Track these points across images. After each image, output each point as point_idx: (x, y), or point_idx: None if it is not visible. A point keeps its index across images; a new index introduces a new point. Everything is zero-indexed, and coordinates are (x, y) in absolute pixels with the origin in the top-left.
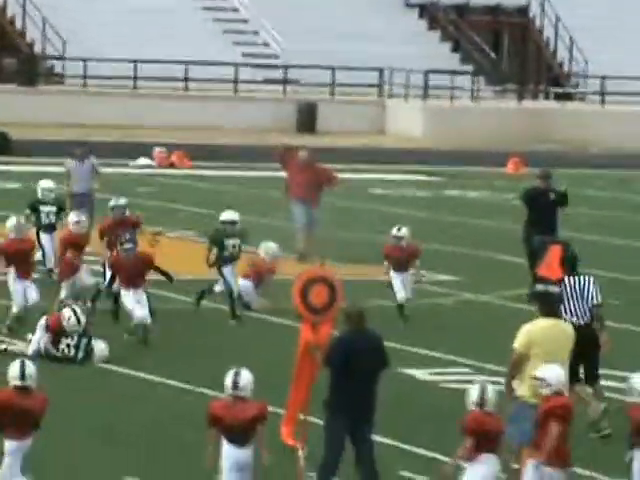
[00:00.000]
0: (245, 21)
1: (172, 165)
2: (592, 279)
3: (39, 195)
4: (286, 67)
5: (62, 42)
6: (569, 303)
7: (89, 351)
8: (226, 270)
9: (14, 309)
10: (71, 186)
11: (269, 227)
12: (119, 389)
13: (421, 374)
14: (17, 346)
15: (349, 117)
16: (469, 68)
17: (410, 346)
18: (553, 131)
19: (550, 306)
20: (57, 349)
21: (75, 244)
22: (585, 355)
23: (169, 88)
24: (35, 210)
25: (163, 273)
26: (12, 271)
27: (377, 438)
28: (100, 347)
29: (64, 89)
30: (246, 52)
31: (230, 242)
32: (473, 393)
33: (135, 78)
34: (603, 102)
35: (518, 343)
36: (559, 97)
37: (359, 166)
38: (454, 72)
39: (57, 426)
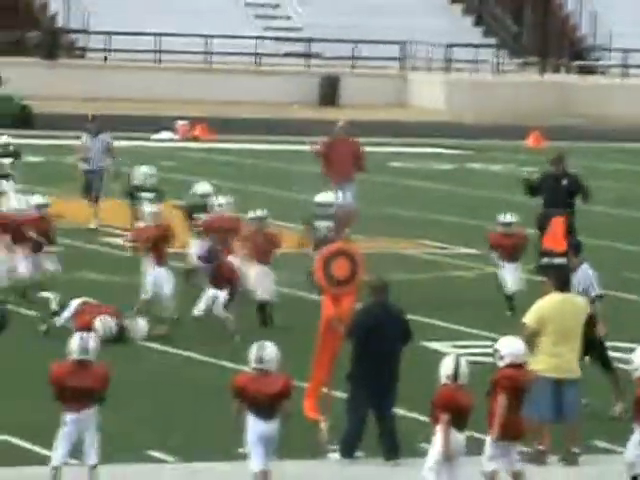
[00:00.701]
0: None
1: (195, 138)
2: (590, 270)
3: (137, 181)
4: (308, 40)
5: (84, 15)
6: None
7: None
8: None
9: (144, 295)
10: (82, 162)
11: (292, 200)
12: (156, 366)
13: (443, 347)
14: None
15: (371, 90)
16: (491, 41)
17: (432, 319)
18: (575, 104)
19: (560, 279)
20: None
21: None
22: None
23: (192, 62)
24: (133, 197)
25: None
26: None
27: (399, 411)
28: (141, 325)
29: (86, 63)
30: (268, 26)
31: (323, 224)
32: (447, 366)
33: (158, 52)
34: (625, 75)
35: (529, 319)
36: (581, 70)
37: (380, 139)
38: (476, 45)
39: None
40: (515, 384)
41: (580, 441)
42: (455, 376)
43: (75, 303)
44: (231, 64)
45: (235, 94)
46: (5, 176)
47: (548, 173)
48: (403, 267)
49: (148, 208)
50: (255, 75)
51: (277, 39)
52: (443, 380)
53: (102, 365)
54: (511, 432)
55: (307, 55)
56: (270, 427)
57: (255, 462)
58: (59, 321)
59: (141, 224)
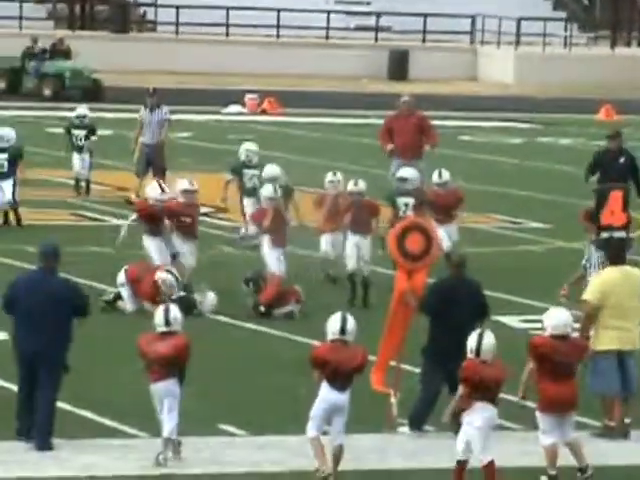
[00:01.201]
0: None
1: (263, 112)
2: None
3: (243, 158)
4: (378, 14)
5: None
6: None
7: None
8: None
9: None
10: (140, 136)
11: (360, 174)
12: (226, 339)
13: (512, 321)
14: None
15: (441, 64)
16: (562, 15)
17: (501, 293)
18: None
19: (616, 253)
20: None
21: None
22: None
23: (261, 35)
24: (238, 174)
25: None
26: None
27: None
28: (210, 297)
29: (156, 36)
30: None
31: (402, 200)
32: (471, 340)
33: (227, 25)
34: None
35: (590, 295)
36: None
37: (450, 113)
38: (547, 19)
39: None
40: (550, 354)
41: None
42: (477, 351)
43: (121, 279)
44: (301, 38)
45: (304, 68)
46: (79, 148)
47: (605, 149)
48: (472, 241)
49: (265, 191)
50: (324, 49)
51: (347, 13)
52: (467, 354)
53: (183, 336)
54: (558, 404)
55: (377, 29)
56: (342, 398)
57: (312, 428)
58: (129, 306)
59: (261, 205)
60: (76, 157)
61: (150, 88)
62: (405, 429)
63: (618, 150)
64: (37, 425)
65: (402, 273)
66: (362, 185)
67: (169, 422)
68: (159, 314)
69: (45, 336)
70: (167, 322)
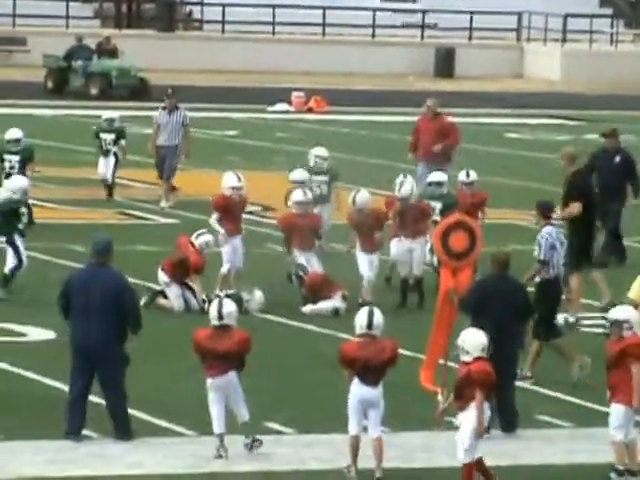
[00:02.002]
0: None
1: (310, 110)
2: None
3: (312, 163)
4: (424, 11)
5: None
6: (555, 255)
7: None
8: None
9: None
10: (157, 138)
11: (406, 172)
12: (273, 337)
13: (560, 319)
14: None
15: (487, 61)
16: (608, 11)
17: None
18: None
19: None
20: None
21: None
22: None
23: (307, 33)
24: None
25: None
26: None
27: (516, 382)
28: (257, 296)
29: (202, 34)
30: None
31: (432, 204)
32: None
33: (273, 23)
34: None
35: (634, 294)
36: None
37: (496, 110)
38: (593, 15)
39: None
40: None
41: None
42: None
43: (163, 278)
44: (347, 35)
45: (350, 66)
46: (106, 152)
47: (602, 148)
48: (519, 238)
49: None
50: (371, 47)
51: (393, 10)
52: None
53: (242, 330)
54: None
55: (423, 26)
56: (374, 392)
57: (351, 426)
58: (177, 304)
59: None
60: (101, 161)
61: (169, 89)
62: None
63: (614, 149)
64: (116, 422)
65: (447, 271)
66: (409, 188)
67: (241, 409)
68: (213, 308)
69: (102, 330)
70: (220, 316)
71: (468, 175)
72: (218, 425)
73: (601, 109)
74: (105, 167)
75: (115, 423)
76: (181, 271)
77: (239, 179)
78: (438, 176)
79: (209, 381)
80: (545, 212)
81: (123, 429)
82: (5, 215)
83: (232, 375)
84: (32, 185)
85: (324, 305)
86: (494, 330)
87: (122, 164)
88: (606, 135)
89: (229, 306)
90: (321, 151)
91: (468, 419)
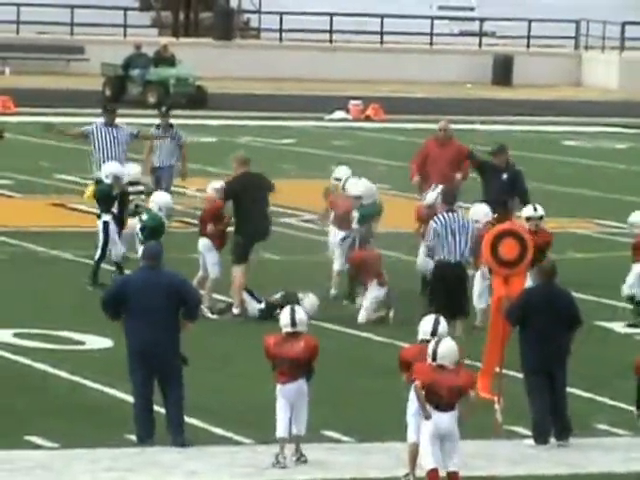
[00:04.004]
0: None
1: (368, 118)
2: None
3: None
4: (482, 19)
5: None
6: (444, 240)
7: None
8: None
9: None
10: (152, 158)
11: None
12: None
13: (617, 327)
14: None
15: (545, 69)
16: None
17: (606, 299)
18: None
19: None
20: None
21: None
22: (453, 292)
23: (365, 41)
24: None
25: None
26: None
27: (574, 390)
28: (311, 298)
29: (260, 43)
30: (442, 5)
31: None
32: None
33: (331, 32)
34: None
35: None
36: None
37: (554, 119)
38: None
39: (258, 375)
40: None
41: None
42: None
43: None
44: (405, 44)
45: (408, 74)
46: None
47: (491, 164)
48: (577, 246)
49: None
50: (428, 55)
51: (451, 18)
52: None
53: (311, 337)
54: None
55: (481, 34)
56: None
57: (410, 433)
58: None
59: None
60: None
61: (163, 107)
62: (530, 442)
63: (502, 166)
64: (171, 424)
65: (498, 280)
66: (434, 196)
67: (301, 420)
68: (285, 315)
69: (164, 331)
70: (293, 323)
71: (535, 209)
72: (282, 428)
73: None
74: None
75: (172, 424)
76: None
77: None
78: (357, 190)
79: (278, 387)
80: (444, 199)
81: (178, 431)
82: (150, 231)
83: (301, 383)
84: None
85: (366, 303)
86: (542, 339)
87: None
88: (494, 153)
89: (301, 313)
90: (342, 171)
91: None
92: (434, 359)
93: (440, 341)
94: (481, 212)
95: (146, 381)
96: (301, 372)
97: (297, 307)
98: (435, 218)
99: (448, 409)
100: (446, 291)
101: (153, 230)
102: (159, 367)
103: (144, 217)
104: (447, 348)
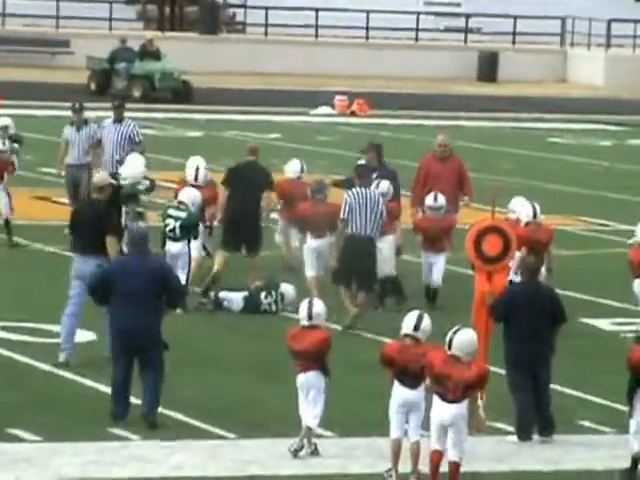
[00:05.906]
0: None
1: (353, 113)
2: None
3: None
4: (467, 16)
5: None
6: (357, 214)
7: (281, 301)
8: None
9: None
10: (65, 156)
11: None
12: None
13: (602, 324)
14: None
15: (530, 66)
16: None
17: (591, 296)
18: None
19: None
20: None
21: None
22: (360, 265)
23: (350, 37)
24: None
25: None
26: None
27: (558, 387)
28: (289, 292)
29: (245, 37)
30: (428, 0)
31: None
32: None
33: (317, 27)
34: None
35: None
36: None
37: (539, 115)
38: (637, 21)
39: (243, 369)
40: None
41: None
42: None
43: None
44: (390, 39)
45: (393, 69)
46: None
47: (363, 163)
48: (561, 243)
49: None
50: (414, 50)
51: (436, 14)
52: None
53: (324, 331)
54: None
55: (466, 30)
56: (415, 395)
57: (392, 429)
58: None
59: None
60: None
61: (76, 104)
62: (513, 438)
63: (373, 164)
64: (146, 403)
65: (481, 275)
66: (442, 201)
67: (312, 413)
68: (303, 308)
69: (144, 317)
70: (310, 316)
71: (535, 213)
72: (303, 419)
73: None
74: None
75: (146, 404)
76: None
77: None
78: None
79: (297, 376)
80: (359, 173)
81: (151, 412)
82: (189, 227)
83: (311, 375)
84: None
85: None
86: (526, 336)
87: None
88: (364, 150)
89: (318, 307)
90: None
91: None
92: (449, 347)
93: (459, 330)
94: (523, 212)
95: (125, 362)
96: (310, 365)
97: (315, 300)
98: (349, 192)
99: (453, 401)
100: (353, 264)
101: (193, 226)
102: (139, 350)
103: (182, 214)
104: (463, 339)
